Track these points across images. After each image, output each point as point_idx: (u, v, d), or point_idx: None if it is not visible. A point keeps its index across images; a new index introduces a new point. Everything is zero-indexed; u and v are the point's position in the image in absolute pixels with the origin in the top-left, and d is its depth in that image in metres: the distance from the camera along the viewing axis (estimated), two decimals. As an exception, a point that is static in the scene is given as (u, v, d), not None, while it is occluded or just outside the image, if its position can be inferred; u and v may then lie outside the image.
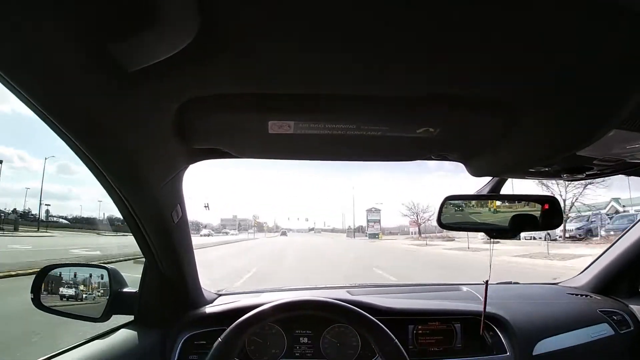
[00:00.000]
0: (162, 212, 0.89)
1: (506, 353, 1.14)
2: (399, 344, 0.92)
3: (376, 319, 1.09)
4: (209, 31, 0.43)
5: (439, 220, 0.99)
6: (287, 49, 0.49)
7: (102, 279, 1.16)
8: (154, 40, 0.42)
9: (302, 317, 1.05)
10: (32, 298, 1.08)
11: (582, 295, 1.51)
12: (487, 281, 1.00)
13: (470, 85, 0.60)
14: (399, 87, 0.60)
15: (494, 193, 1.04)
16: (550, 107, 0.63)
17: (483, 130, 0.75)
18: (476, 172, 0.95)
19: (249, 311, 0.95)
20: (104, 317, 1.10)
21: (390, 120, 0.69)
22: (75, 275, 1.18)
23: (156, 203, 0.85)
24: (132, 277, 1.21)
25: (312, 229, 72.79)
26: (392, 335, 0.92)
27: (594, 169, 0.90)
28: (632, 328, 1.43)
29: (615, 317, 1.41)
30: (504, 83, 0.58)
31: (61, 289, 1.16)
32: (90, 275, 1.17)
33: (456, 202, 1.01)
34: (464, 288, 1.42)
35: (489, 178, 1.06)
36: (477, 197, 1.03)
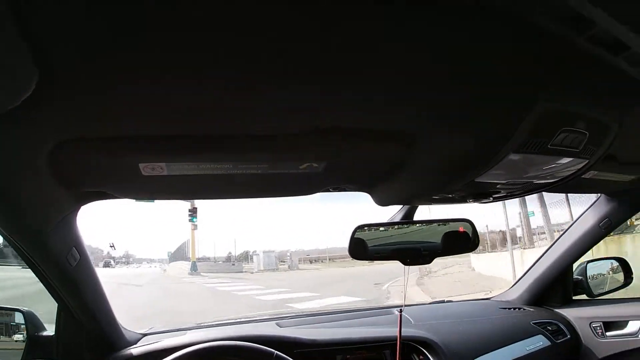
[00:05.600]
0: (55, 256, 0.86)
1: None
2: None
3: (300, 352, 1.09)
4: (51, 78, 0.41)
5: (350, 251, 0.99)
6: (143, 89, 0.46)
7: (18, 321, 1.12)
8: None
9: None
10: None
11: (514, 308, 1.53)
12: (401, 309, 1.01)
13: (358, 118, 0.58)
14: (275, 125, 0.58)
15: (406, 219, 1.04)
16: (444, 135, 0.63)
17: (378, 162, 0.74)
18: (381, 201, 0.95)
19: (172, 352, 0.96)
20: None
21: (268, 158, 0.67)
22: (-10, 318, 1.14)
23: (47, 247, 0.83)
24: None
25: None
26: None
27: (501, 192, 0.90)
28: (568, 336, 1.45)
29: (550, 328, 1.44)
30: (396, 114, 0.58)
31: (-25, 333, 1.11)
32: (6, 318, 1.13)
33: (367, 231, 1.01)
34: (395, 311, 1.42)
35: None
36: (389, 225, 1.03)
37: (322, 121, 0.58)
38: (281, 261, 21.88)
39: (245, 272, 20.28)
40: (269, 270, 20.26)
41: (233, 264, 23.28)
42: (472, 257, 13.34)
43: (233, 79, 0.46)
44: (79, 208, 0.86)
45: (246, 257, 26.03)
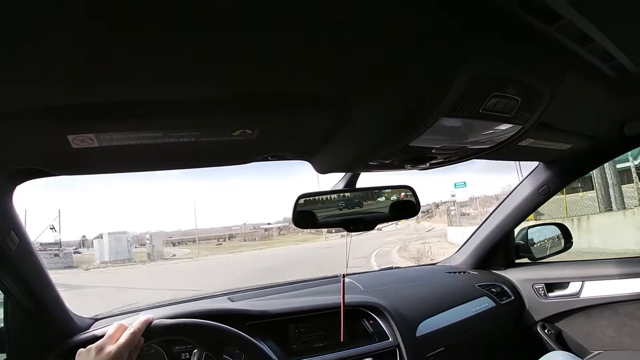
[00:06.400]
0: None
1: (389, 339, 1.18)
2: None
3: (252, 324, 1.09)
4: None
5: (294, 220, 1.00)
6: (58, 57, 0.44)
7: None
8: None
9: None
10: None
11: (460, 272, 1.62)
12: (344, 275, 1.04)
13: (284, 83, 0.58)
14: (200, 90, 0.57)
15: (349, 187, 1.06)
16: (375, 99, 0.63)
17: (313, 128, 0.75)
18: (321, 169, 0.96)
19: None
20: None
21: (198, 125, 0.66)
22: None
23: None
24: None
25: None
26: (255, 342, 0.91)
27: (438, 158, 0.92)
28: (512, 298, 1.55)
29: (494, 290, 1.53)
30: (323, 78, 0.57)
31: None
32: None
33: (311, 199, 1.03)
34: (346, 279, 1.46)
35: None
36: (331, 193, 1.06)
37: (249, 86, 0.57)
38: (141, 244, 15.44)
39: (76, 267, 12.91)
40: (119, 261, 13.58)
41: (57, 255, 14.66)
42: (449, 230, 14.29)
43: (152, 44, 0.44)
44: (14, 188, 0.82)
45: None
